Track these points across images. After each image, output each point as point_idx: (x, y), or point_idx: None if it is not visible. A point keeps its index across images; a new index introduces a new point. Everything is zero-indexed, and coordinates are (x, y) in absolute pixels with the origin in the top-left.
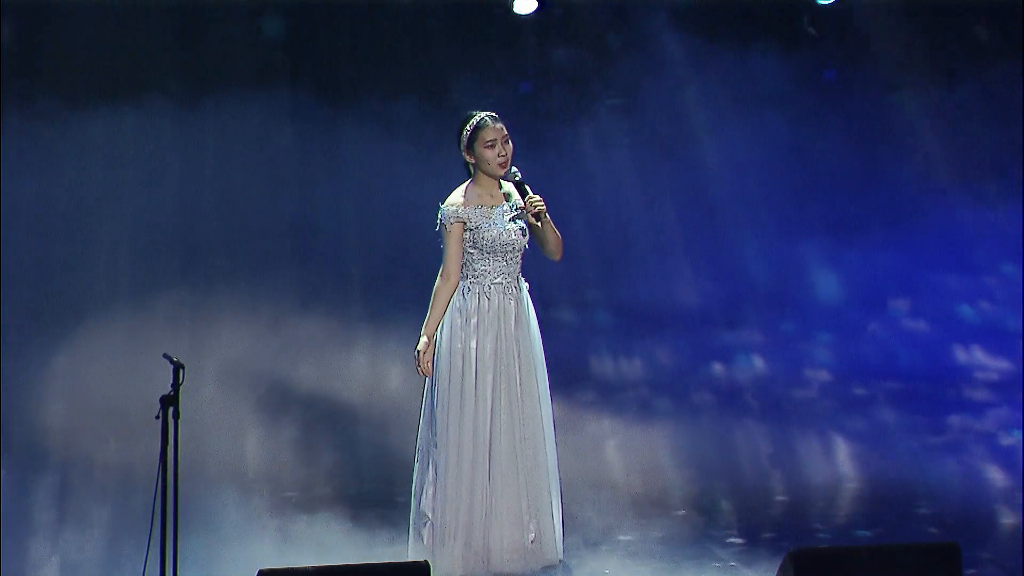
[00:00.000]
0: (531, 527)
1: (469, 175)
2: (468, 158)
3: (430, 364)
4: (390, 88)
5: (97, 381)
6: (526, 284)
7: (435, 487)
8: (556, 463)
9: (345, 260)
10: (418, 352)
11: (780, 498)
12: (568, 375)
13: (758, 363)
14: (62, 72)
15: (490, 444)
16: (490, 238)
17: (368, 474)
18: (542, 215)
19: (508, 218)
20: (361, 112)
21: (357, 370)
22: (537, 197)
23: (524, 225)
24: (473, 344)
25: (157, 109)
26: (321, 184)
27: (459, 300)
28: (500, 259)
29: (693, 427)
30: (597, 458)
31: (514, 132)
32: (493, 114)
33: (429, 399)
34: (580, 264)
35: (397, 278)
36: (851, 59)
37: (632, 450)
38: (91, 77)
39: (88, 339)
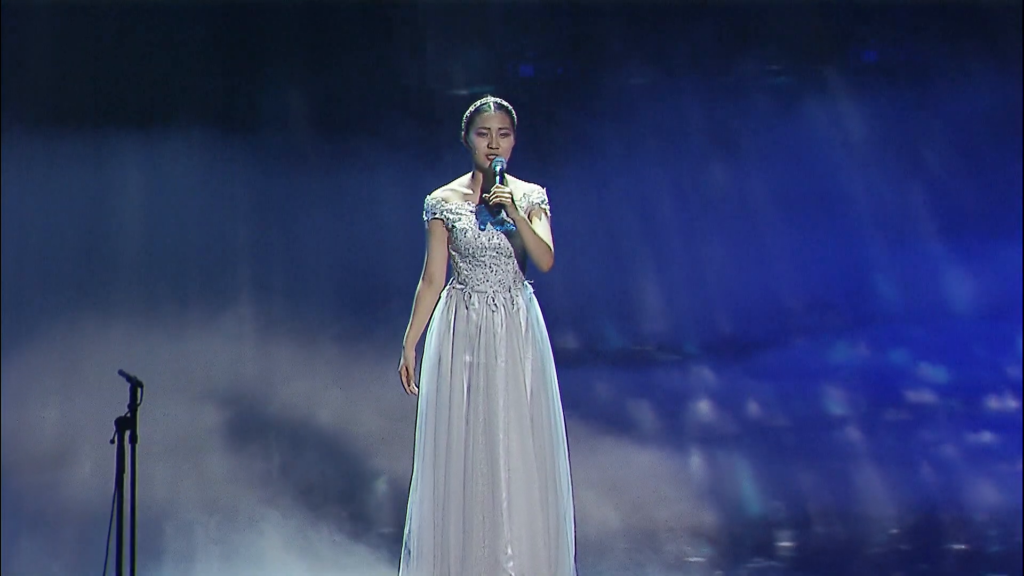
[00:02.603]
0: (510, 568)
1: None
2: (465, 146)
3: (414, 382)
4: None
5: (64, 401)
6: (531, 291)
7: (411, 516)
8: (565, 498)
9: (341, 276)
10: (404, 369)
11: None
12: (629, 398)
13: (851, 380)
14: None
15: (465, 475)
16: (464, 241)
17: (367, 502)
18: (506, 207)
19: (498, 219)
20: (357, 115)
21: (353, 393)
22: (505, 188)
23: (512, 227)
24: (449, 359)
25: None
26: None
27: (442, 306)
28: (481, 264)
29: (770, 455)
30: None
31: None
32: (501, 101)
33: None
34: (630, 280)
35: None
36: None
37: (701, 481)
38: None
39: (56, 358)
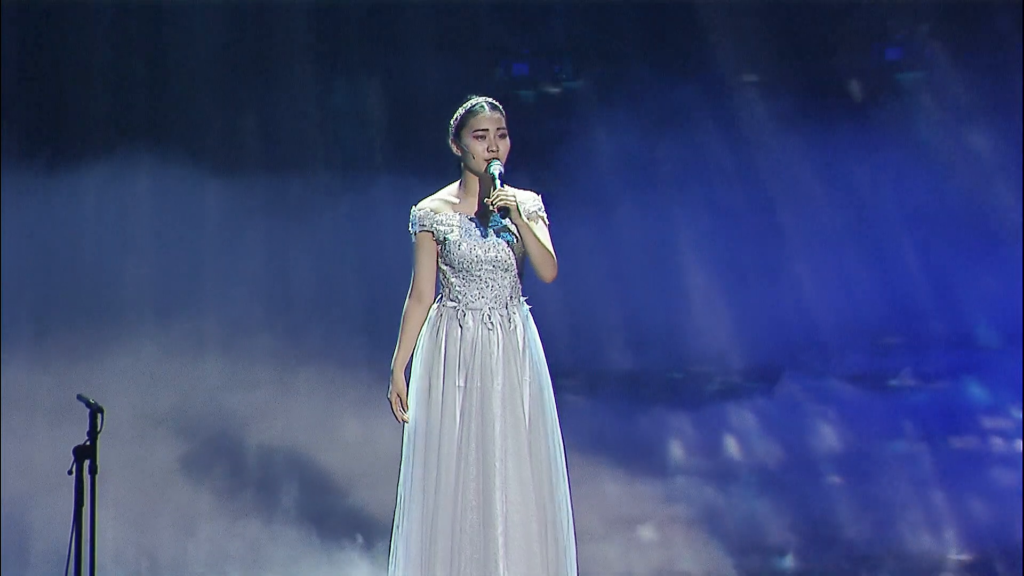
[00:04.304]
0: None
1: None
2: (455, 150)
3: (406, 409)
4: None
5: (18, 428)
6: (527, 308)
7: (396, 554)
8: (566, 534)
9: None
10: (396, 396)
11: None
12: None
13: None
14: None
15: (455, 508)
16: (458, 255)
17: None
18: (510, 212)
19: (494, 229)
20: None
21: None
22: (508, 191)
23: (511, 238)
24: (440, 382)
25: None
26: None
27: (431, 326)
28: (476, 280)
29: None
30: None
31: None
32: (493, 101)
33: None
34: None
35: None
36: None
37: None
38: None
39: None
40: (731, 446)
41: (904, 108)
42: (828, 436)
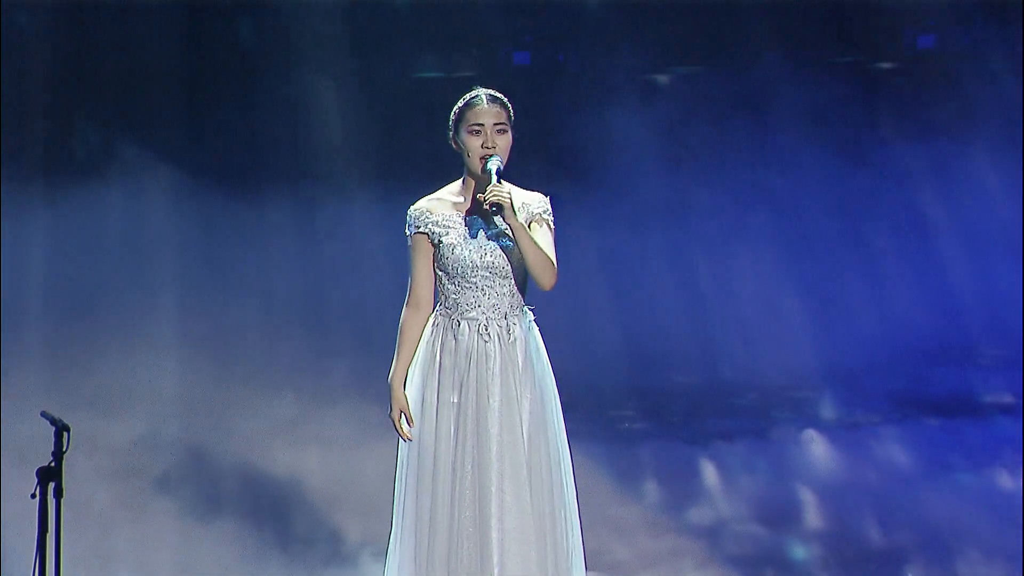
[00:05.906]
0: None
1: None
2: (455, 147)
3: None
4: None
5: None
6: (531, 319)
7: None
8: (576, 561)
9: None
10: (399, 413)
11: None
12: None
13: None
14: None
15: (451, 536)
16: (452, 259)
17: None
18: (504, 210)
19: (494, 233)
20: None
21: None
22: (503, 188)
23: (510, 243)
24: (435, 397)
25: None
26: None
27: (427, 336)
28: (472, 287)
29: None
30: None
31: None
32: (494, 93)
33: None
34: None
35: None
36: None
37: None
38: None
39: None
40: (797, 473)
41: (989, 117)
42: (905, 462)
